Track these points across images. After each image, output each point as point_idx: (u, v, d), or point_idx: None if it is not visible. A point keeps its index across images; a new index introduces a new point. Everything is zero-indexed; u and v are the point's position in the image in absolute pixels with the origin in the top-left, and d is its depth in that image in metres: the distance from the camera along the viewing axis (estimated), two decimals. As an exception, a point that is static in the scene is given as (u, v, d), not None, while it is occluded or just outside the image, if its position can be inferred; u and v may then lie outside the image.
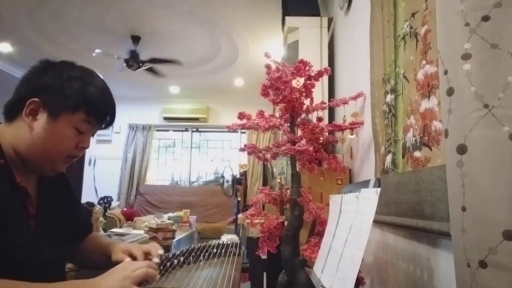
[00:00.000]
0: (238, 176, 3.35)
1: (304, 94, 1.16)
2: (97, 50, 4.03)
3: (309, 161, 1.16)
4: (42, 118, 0.80)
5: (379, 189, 0.67)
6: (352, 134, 1.55)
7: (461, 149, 0.53)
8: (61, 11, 3.53)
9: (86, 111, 0.83)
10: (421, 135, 0.92)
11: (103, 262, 0.96)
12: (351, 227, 0.74)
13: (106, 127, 0.92)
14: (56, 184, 0.94)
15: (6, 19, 3.68)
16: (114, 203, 5.77)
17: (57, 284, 0.74)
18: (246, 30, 3.85)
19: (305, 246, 1.08)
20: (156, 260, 0.90)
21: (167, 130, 6.61)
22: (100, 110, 0.87)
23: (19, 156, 0.81)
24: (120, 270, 0.74)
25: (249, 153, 1.21)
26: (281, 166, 2.35)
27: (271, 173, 2.72)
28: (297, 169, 1.14)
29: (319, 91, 2.06)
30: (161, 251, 0.94)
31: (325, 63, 2.16)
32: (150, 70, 4.50)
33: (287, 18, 2.34)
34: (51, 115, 0.80)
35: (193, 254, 1.10)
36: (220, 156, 6.52)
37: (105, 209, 5.25)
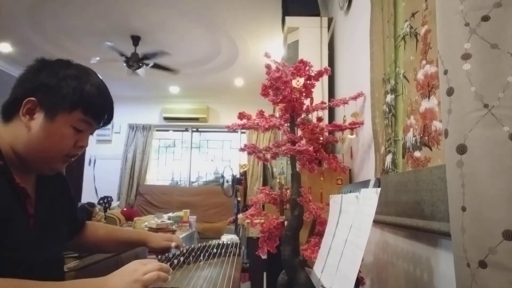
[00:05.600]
0: (238, 176, 3.35)
1: (304, 94, 1.16)
2: (94, 59, 4.06)
3: (309, 161, 1.16)
4: (39, 117, 0.80)
5: (379, 189, 0.67)
6: (352, 134, 1.55)
7: (461, 149, 0.53)
8: (61, 11, 3.53)
9: (83, 109, 0.83)
10: (421, 135, 0.92)
11: (117, 249, 1.17)
12: (351, 227, 0.74)
13: (104, 125, 0.92)
14: (54, 183, 0.94)
15: (6, 19, 3.68)
16: (114, 203, 5.76)
17: (66, 283, 0.74)
18: (246, 30, 3.85)
19: (305, 246, 1.08)
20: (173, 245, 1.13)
21: (167, 130, 6.61)
22: (97, 108, 0.86)
23: (17, 156, 0.80)
24: (131, 272, 0.71)
25: (249, 153, 1.21)
26: (281, 166, 2.35)
27: (271, 173, 2.72)
28: (297, 169, 1.14)
29: (319, 91, 2.06)
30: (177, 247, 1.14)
31: (325, 63, 2.16)
32: (157, 66, 4.48)
33: (287, 18, 2.33)
34: (48, 114, 0.80)
35: (193, 254, 1.10)
36: (220, 156, 6.52)
37: (105, 209, 5.23)
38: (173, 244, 1.10)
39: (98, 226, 1.16)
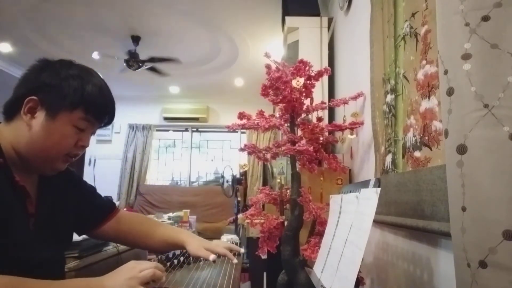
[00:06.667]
0: (238, 176, 3.34)
1: (304, 94, 1.16)
2: (96, 53, 4.06)
3: (309, 161, 1.16)
4: (40, 116, 0.80)
5: (379, 189, 0.67)
6: (352, 134, 1.55)
7: (461, 149, 0.53)
8: (61, 11, 3.53)
9: (84, 109, 0.83)
10: (421, 135, 0.92)
11: (154, 247, 1.08)
12: (351, 227, 0.74)
13: (106, 125, 0.92)
14: (58, 182, 0.93)
15: (6, 19, 3.67)
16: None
17: (63, 282, 0.74)
18: (246, 30, 3.85)
19: (305, 246, 1.08)
20: (243, 250, 1.05)
21: (167, 130, 6.61)
22: (98, 108, 0.87)
23: (18, 155, 0.81)
24: (127, 270, 0.74)
25: (249, 153, 1.21)
26: (281, 166, 2.35)
27: (271, 173, 2.72)
28: (297, 169, 1.14)
29: (319, 91, 2.06)
30: (242, 250, 1.07)
31: (325, 63, 2.16)
32: (152, 69, 4.49)
33: (287, 18, 2.34)
34: (49, 113, 0.80)
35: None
36: (220, 156, 6.52)
37: (105, 209, 5.24)
38: (211, 257, 0.94)
39: (139, 218, 1.12)
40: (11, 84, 0.84)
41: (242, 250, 1.05)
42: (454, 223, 0.55)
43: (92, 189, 1.08)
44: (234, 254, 1.01)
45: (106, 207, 1.07)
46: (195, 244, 0.99)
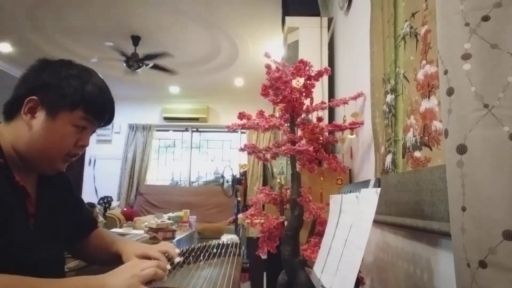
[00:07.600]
0: (238, 176, 3.35)
1: (304, 94, 1.16)
2: (93, 60, 4.08)
3: (309, 161, 1.16)
4: (40, 116, 0.80)
5: (379, 189, 0.67)
6: (352, 134, 1.55)
7: (461, 149, 0.53)
8: (61, 11, 3.53)
9: (84, 109, 0.83)
10: (421, 135, 0.92)
11: (108, 260, 0.99)
12: (351, 227, 0.74)
13: (106, 124, 0.92)
14: (56, 183, 0.94)
15: (6, 19, 3.68)
16: (114, 203, 5.77)
17: (64, 280, 0.74)
18: (246, 30, 3.85)
19: (305, 246, 1.08)
20: (178, 259, 0.94)
21: (167, 130, 6.61)
22: (98, 108, 0.87)
23: (18, 155, 0.81)
24: (129, 268, 0.74)
25: (249, 153, 1.21)
26: (281, 166, 2.35)
27: (271, 173, 2.72)
28: (297, 169, 1.14)
29: (319, 91, 2.06)
30: (178, 250, 0.98)
31: (325, 63, 2.16)
32: (156, 67, 4.48)
33: (287, 18, 2.34)
34: (49, 113, 0.80)
35: (193, 254, 1.09)
36: (220, 156, 6.52)
37: (105, 209, 5.25)
38: (176, 260, 0.90)
39: (102, 235, 1.07)
40: (11, 84, 0.85)
41: (178, 259, 0.94)
42: (454, 223, 0.55)
43: (81, 202, 1.08)
44: (169, 260, 0.93)
45: (88, 223, 1.06)
46: (128, 253, 0.94)
